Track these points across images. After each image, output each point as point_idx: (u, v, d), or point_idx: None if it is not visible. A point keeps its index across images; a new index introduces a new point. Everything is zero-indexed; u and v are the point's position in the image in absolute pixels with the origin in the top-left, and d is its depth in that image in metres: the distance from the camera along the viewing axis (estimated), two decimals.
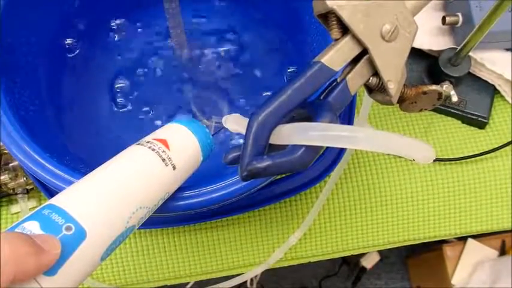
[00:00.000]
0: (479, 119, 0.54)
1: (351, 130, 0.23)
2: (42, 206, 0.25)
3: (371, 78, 0.27)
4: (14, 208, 0.51)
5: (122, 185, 0.28)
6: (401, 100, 0.28)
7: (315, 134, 0.24)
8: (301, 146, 0.24)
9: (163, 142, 0.32)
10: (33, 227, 0.23)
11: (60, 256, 0.23)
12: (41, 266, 0.21)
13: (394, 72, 0.27)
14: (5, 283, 0.19)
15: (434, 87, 0.27)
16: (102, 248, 0.26)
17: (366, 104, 0.46)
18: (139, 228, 0.50)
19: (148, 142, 0.32)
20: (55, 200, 0.26)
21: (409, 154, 0.24)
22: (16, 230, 0.23)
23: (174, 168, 0.31)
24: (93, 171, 0.29)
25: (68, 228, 0.24)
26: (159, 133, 0.33)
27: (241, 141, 0.40)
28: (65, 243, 0.23)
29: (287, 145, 0.25)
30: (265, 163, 0.24)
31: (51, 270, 0.23)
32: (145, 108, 0.50)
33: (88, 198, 0.26)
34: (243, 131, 0.29)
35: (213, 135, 0.36)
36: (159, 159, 0.31)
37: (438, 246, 1.02)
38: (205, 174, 0.43)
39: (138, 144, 0.32)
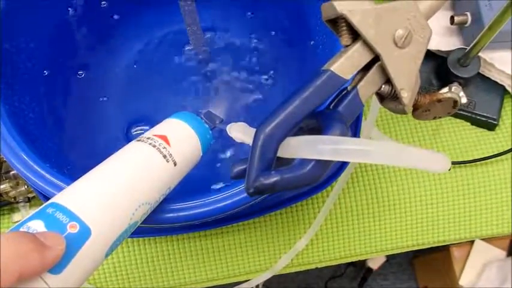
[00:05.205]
0: (489, 120, 0.52)
1: (363, 143, 0.22)
2: (45, 204, 0.25)
3: (383, 86, 0.26)
4: (16, 217, 0.50)
5: (125, 182, 0.28)
6: (415, 108, 0.27)
7: (325, 148, 0.22)
8: (311, 160, 0.23)
9: (164, 138, 0.31)
10: (38, 226, 0.23)
11: (66, 254, 0.23)
12: (46, 262, 0.21)
13: (407, 79, 0.25)
14: (11, 281, 0.19)
15: (449, 94, 0.26)
16: (107, 245, 0.26)
17: (373, 108, 0.45)
18: (144, 236, 0.49)
19: (148, 138, 0.31)
20: (58, 198, 0.25)
21: (424, 167, 0.23)
22: (21, 229, 0.23)
23: (175, 164, 0.31)
24: (94, 168, 0.29)
25: (73, 227, 0.24)
26: (159, 129, 0.33)
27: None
28: (70, 241, 0.23)
29: (295, 158, 0.24)
30: (272, 179, 0.23)
31: (57, 269, 0.22)
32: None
33: (91, 196, 0.26)
34: (248, 141, 0.28)
35: (211, 129, 0.35)
36: (160, 155, 0.30)
37: (445, 246, 1.01)
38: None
39: (139, 140, 0.31)
